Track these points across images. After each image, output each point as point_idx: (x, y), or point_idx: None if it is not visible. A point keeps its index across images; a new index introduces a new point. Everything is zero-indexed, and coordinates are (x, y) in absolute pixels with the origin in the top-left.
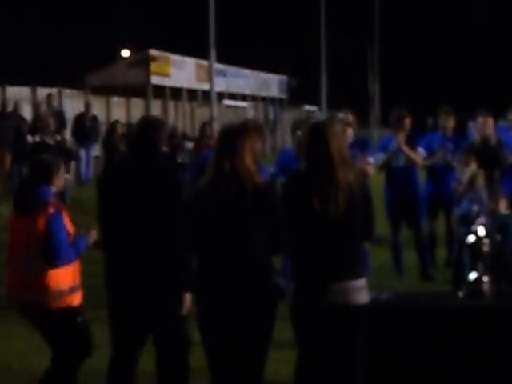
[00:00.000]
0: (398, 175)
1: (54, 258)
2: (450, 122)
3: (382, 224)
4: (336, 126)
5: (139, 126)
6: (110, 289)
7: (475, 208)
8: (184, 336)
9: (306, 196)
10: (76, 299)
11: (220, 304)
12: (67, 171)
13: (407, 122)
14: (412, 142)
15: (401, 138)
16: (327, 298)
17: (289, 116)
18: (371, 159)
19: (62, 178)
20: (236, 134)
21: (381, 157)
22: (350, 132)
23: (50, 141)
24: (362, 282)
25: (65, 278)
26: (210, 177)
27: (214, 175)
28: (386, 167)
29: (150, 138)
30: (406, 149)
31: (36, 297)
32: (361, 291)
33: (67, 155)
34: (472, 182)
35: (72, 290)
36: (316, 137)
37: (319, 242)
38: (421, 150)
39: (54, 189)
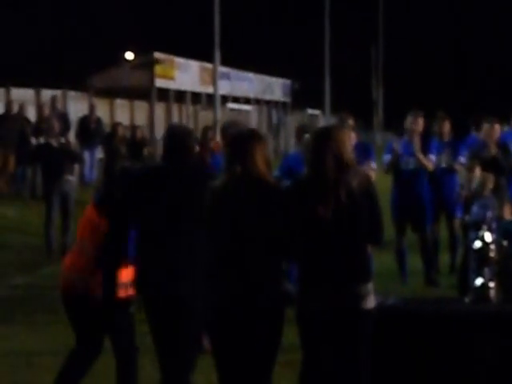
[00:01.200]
0: (406, 178)
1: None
2: (446, 127)
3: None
4: (342, 131)
5: (173, 132)
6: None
7: (489, 214)
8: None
9: (310, 201)
10: (131, 292)
11: (229, 309)
12: (71, 173)
13: (422, 125)
14: (425, 146)
15: (417, 143)
16: (333, 303)
17: (292, 120)
18: (374, 163)
19: None
20: (247, 139)
21: (388, 158)
22: (353, 136)
23: (54, 143)
24: (368, 287)
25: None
26: (222, 182)
27: (226, 180)
28: (395, 170)
29: (185, 144)
30: (420, 156)
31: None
32: (367, 296)
33: (71, 158)
34: (481, 186)
35: (127, 284)
36: (322, 142)
37: (324, 247)
38: (432, 158)
39: None
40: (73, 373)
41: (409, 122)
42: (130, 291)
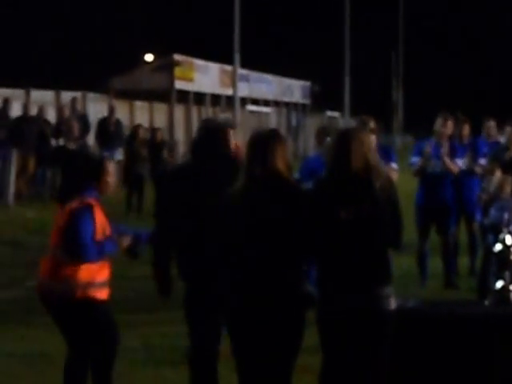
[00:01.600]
0: (433, 181)
1: (75, 253)
2: (466, 130)
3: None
4: (364, 133)
5: (207, 128)
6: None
7: (506, 216)
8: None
9: (331, 202)
10: (99, 293)
11: (250, 311)
12: None
13: (452, 128)
14: (453, 149)
15: (445, 146)
16: (353, 305)
17: (311, 122)
18: (395, 165)
19: (110, 180)
20: (268, 139)
21: (416, 161)
22: (373, 139)
23: (72, 146)
24: (388, 289)
25: (85, 272)
26: (242, 183)
27: (246, 181)
28: (421, 172)
29: (219, 141)
30: (447, 161)
31: (58, 287)
32: (387, 297)
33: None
34: (499, 189)
35: (93, 286)
36: (343, 144)
37: (344, 249)
38: (459, 162)
39: (98, 189)
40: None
41: (438, 124)
42: (104, 292)
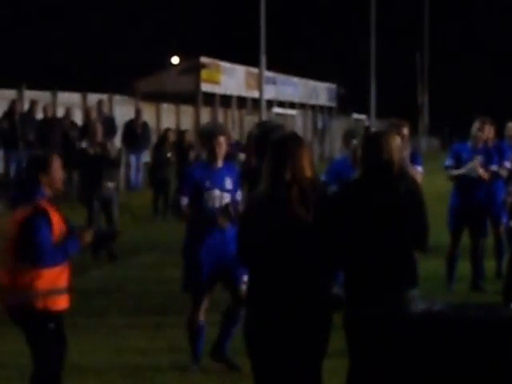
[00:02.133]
0: (468, 184)
1: (34, 259)
2: (491, 133)
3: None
4: (391, 136)
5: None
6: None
7: None
8: None
9: (357, 206)
10: (57, 303)
11: (276, 312)
12: (111, 180)
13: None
14: (488, 153)
15: (478, 160)
16: (379, 309)
17: (337, 124)
18: (420, 167)
19: (57, 176)
20: (292, 143)
21: (451, 164)
22: (406, 145)
23: (91, 150)
24: (413, 292)
25: (46, 279)
26: (267, 186)
27: (272, 185)
28: (458, 179)
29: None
30: (480, 171)
31: (16, 296)
32: (411, 302)
33: (110, 164)
34: None
35: (53, 292)
36: (371, 147)
37: (370, 253)
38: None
39: (47, 186)
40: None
41: (475, 128)
42: (64, 300)
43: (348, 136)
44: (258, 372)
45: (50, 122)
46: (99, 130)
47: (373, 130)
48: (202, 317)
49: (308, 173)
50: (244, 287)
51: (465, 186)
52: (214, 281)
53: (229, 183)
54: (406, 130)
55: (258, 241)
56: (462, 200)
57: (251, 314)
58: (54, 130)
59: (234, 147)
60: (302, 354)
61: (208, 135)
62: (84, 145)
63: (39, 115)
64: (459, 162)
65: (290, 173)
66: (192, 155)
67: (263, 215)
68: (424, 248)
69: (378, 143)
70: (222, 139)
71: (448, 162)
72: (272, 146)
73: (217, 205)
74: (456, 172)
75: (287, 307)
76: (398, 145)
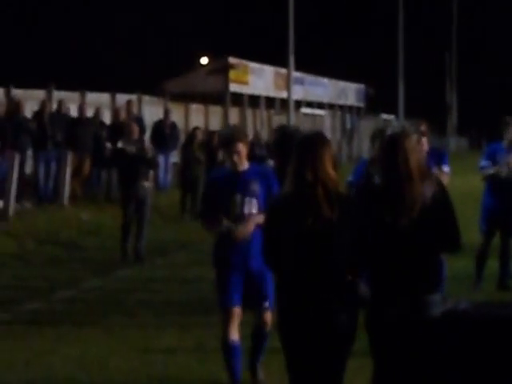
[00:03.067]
0: (501, 184)
1: None
2: None
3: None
4: (411, 138)
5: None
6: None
7: None
8: None
9: (378, 208)
10: None
11: (303, 310)
12: (147, 179)
13: None
14: None
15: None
16: (401, 311)
17: (366, 124)
18: (447, 168)
19: None
20: (316, 143)
21: (486, 165)
22: (424, 141)
23: (129, 149)
24: (436, 296)
25: None
26: (291, 187)
27: (296, 186)
28: (493, 179)
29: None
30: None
31: None
32: (435, 305)
33: (147, 164)
34: None
35: None
36: (391, 149)
37: (392, 256)
38: None
39: None
40: None
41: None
42: None
43: (376, 136)
44: (290, 360)
45: (80, 122)
46: (135, 129)
47: (389, 131)
48: (234, 336)
49: (331, 172)
50: (269, 312)
51: (497, 186)
52: (240, 299)
53: (255, 187)
54: (423, 127)
55: (283, 241)
56: (495, 200)
57: (281, 313)
58: (85, 130)
59: (259, 148)
60: (327, 351)
61: (225, 142)
62: (120, 144)
63: (73, 114)
64: (494, 163)
65: (314, 173)
66: (220, 156)
67: (288, 215)
68: (456, 250)
69: (396, 147)
70: (240, 146)
71: (483, 162)
72: (296, 146)
73: (245, 210)
74: (488, 171)
75: (314, 307)
76: (414, 145)
